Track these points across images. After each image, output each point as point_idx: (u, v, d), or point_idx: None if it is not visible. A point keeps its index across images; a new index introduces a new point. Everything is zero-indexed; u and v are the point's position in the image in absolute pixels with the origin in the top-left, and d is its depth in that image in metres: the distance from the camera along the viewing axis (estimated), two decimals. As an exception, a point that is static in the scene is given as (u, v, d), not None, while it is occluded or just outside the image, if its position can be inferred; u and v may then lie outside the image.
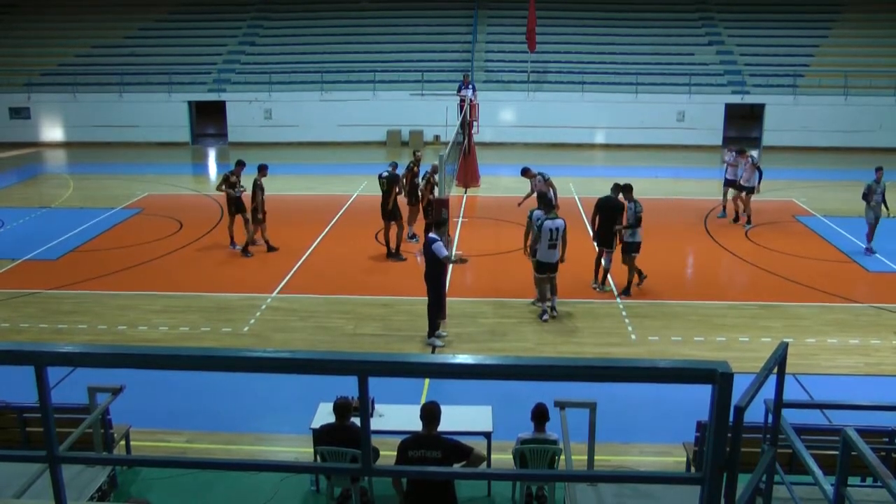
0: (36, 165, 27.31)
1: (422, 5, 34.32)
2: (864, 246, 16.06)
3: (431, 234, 11.40)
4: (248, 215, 15.75)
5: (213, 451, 8.69)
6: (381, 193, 15.52)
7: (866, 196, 15.64)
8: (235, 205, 15.84)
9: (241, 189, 15.75)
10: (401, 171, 16.23)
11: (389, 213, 15.46)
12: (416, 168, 16.68)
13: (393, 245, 15.66)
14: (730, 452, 2.60)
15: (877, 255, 15.77)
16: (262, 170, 15.68)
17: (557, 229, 12.07)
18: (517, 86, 30.76)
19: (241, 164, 16.07)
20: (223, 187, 15.84)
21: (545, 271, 12.24)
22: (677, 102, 29.97)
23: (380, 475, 7.15)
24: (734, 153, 18.20)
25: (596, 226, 13.69)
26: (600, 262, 13.94)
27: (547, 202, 12.59)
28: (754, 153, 29.24)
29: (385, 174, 15.59)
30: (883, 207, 15.73)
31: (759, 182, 17.82)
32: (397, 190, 15.63)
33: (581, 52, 31.90)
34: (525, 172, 15.97)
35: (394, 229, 15.61)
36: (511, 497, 7.75)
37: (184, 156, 29.57)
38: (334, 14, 33.98)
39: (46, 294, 13.66)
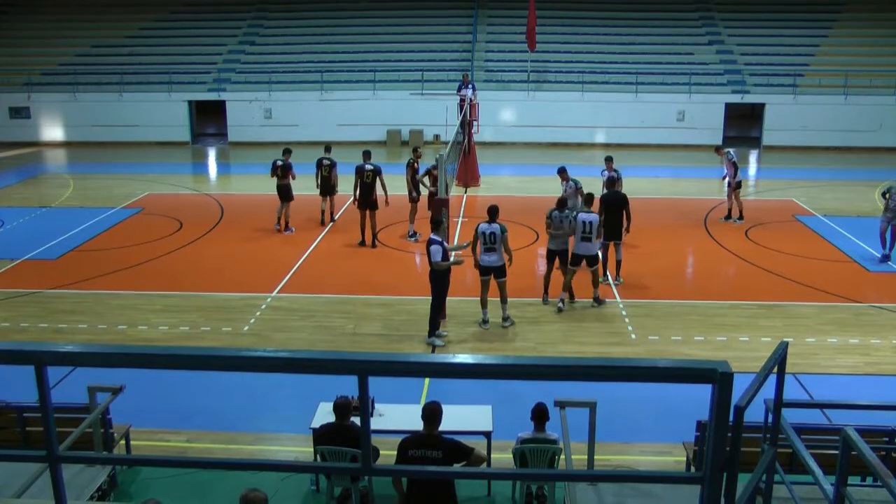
0: (36, 165, 27.29)
1: (422, 5, 34.30)
2: (880, 253, 15.57)
3: (432, 236, 11.40)
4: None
5: (213, 451, 8.69)
6: (355, 185, 16.19)
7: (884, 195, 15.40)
8: (285, 192, 17.26)
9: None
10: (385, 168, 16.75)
11: (373, 202, 16.09)
12: (416, 164, 16.81)
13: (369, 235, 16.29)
14: (730, 452, 2.60)
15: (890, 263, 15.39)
16: (328, 148, 17.90)
17: (591, 223, 12.65)
18: (517, 86, 30.74)
19: (289, 152, 17.66)
20: (289, 173, 17.28)
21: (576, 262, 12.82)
22: (677, 102, 29.95)
23: (380, 475, 7.16)
24: (614, 173, 15.75)
25: (602, 221, 13.83)
26: (608, 257, 14.17)
27: (561, 202, 13.28)
28: (756, 151, 29.35)
29: (369, 167, 16.16)
30: None
31: (724, 178, 18.03)
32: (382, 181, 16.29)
33: (581, 52, 31.89)
34: (561, 172, 16.02)
35: (372, 219, 16.17)
36: (511, 497, 7.75)
37: (184, 155, 29.55)
38: (334, 14, 33.96)
39: (46, 294, 13.66)
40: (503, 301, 12.14)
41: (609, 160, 16.45)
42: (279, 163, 17.37)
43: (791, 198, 21.22)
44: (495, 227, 11.89)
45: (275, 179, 17.38)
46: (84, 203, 20.65)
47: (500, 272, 11.99)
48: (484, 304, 12.16)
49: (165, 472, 7.78)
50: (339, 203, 18.11)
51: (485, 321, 12.17)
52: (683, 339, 11.81)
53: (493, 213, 12.08)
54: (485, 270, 12.00)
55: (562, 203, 13.27)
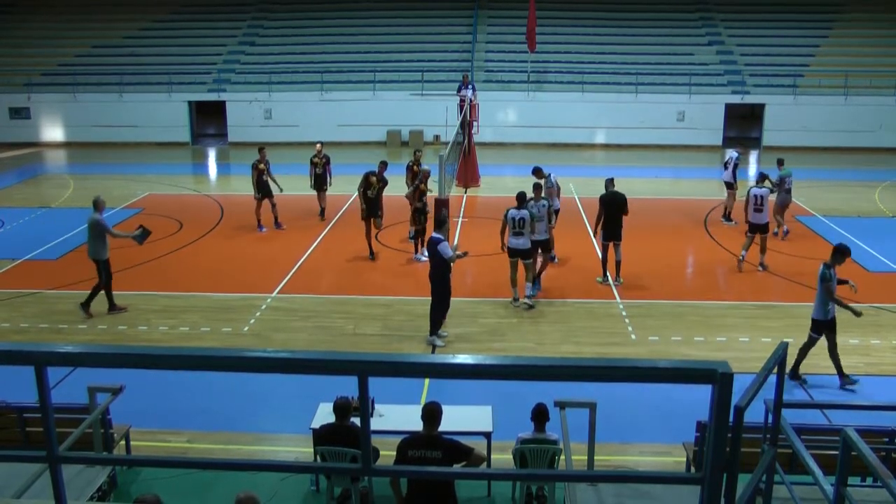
0: (36, 165, 27.29)
1: (422, 5, 34.32)
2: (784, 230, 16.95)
3: (435, 234, 11.40)
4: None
5: (213, 451, 8.69)
6: (364, 193, 15.48)
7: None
8: (263, 190, 17.32)
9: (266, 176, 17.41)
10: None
11: (379, 210, 15.66)
12: (416, 167, 16.73)
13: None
14: (730, 452, 2.60)
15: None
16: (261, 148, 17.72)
17: None
18: (517, 86, 30.75)
19: (263, 149, 17.68)
20: (266, 176, 17.29)
21: None
22: (677, 102, 29.96)
23: (380, 475, 7.15)
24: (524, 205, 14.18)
25: (601, 221, 13.88)
26: (607, 257, 14.12)
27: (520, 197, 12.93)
28: (756, 151, 29.34)
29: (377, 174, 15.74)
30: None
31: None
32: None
33: (581, 52, 31.90)
34: (537, 172, 15.04)
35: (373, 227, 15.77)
36: (511, 497, 7.75)
37: (184, 156, 29.56)
38: (334, 14, 33.98)
39: (47, 294, 13.66)
40: (529, 280, 12.94)
41: (538, 188, 13.88)
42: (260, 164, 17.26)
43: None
44: (524, 212, 12.62)
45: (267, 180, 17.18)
46: (84, 203, 20.50)
47: (526, 255, 12.78)
48: (514, 283, 13.00)
49: (165, 473, 7.77)
50: (333, 205, 18.02)
51: (515, 299, 13.01)
52: (683, 340, 11.81)
53: (521, 199, 12.84)
54: (513, 253, 12.80)
55: (521, 198, 12.81)
